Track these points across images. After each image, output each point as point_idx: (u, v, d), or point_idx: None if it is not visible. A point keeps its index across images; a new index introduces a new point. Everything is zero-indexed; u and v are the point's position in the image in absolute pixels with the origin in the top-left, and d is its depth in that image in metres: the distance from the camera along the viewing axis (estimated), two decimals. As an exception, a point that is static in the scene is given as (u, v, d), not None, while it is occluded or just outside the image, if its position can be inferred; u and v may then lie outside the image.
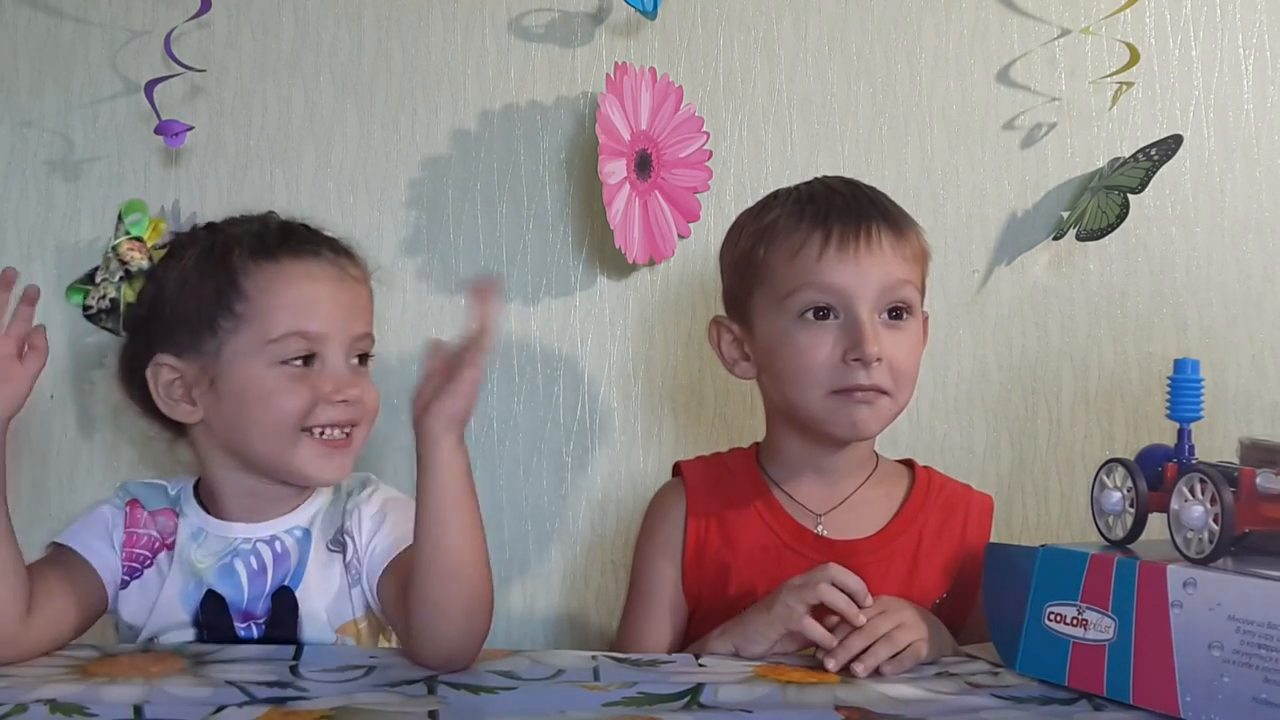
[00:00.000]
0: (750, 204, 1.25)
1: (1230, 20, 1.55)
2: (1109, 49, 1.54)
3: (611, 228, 1.43)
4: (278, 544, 1.11)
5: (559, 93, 1.52)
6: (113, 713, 0.86)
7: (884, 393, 1.13)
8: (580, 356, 1.52)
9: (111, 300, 1.35)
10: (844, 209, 1.16)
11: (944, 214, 1.53)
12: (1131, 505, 0.99)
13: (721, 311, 1.25)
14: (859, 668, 1.00)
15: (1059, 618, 0.98)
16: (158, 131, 1.44)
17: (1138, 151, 1.49)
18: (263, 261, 1.09)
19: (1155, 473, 0.99)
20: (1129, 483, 0.99)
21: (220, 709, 0.87)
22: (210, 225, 1.16)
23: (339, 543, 1.12)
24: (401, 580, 1.04)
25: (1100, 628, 0.94)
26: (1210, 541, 0.90)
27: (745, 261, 1.19)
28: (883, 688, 0.98)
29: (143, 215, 1.39)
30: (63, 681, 0.93)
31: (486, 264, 1.51)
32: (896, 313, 1.15)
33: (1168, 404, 1.00)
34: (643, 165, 1.46)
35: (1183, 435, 0.99)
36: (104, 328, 1.38)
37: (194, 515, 1.13)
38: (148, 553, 1.11)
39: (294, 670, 0.98)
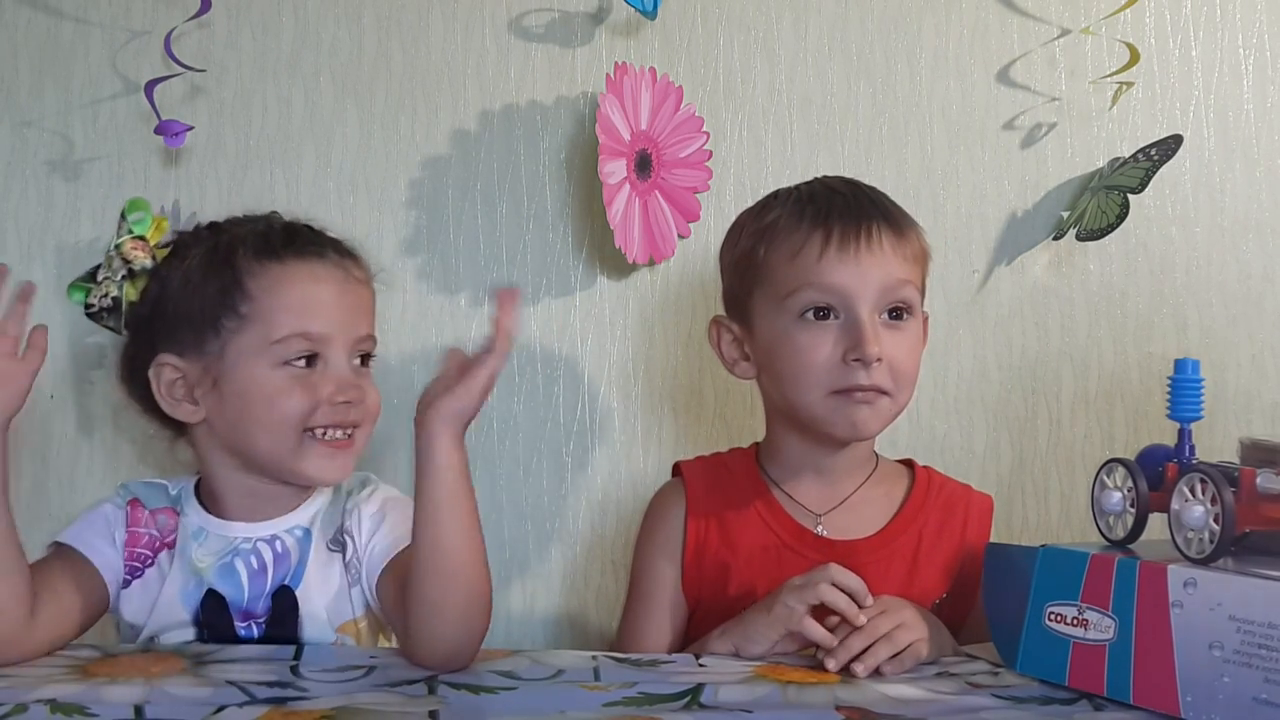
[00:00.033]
0: (750, 204, 1.25)
1: (1230, 20, 1.56)
2: (1109, 49, 1.54)
3: (611, 228, 1.43)
4: (278, 543, 1.11)
5: (559, 93, 1.52)
6: (113, 713, 0.86)
7: (884, 393, 1.13)
8: (580, 356, 1.52)
9: (114, 299, 1.35)
10: (844, 209, 1.16)
11: (944, 214, 1.53)
12: (1132, 505, 0.99)
13: (721, 311, 1.25)
14: (859, 668, 1.00)
15: (1059, 618, 0.98)
16: (158, 131, 1.44)
17: (1138, 151, 1.49)
18: (267, 262, 1.09)
19: (1156, 473, 0.99)
20: (1129, 483, 0.99)
21: (221, 709, 0.87)
22: (213, 225, 1.16)
23: (339, 542, 1.12)
24: (400, 580, 1.04)
25: (1101, 628, 0.94)
26: (1211, 541, 0.90)
27: (745, 261, 1.19)
28: (883, 688, 0.97)
29: (145, 214, 1.39)
30: (63, 681, 0.93)
31: (486, 264, 1.51)
32: (897, 313, 1.15)
33: (1168, 404, 1.00)
34: (643, 165, 1.46)
35: (1183, 435, 0.99)
36: (105, 326, 1.38)
37: (195, 514, 1.13)
38: (149, 552, 1.11)
39: (294, 670, 0.98)
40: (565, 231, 1.52)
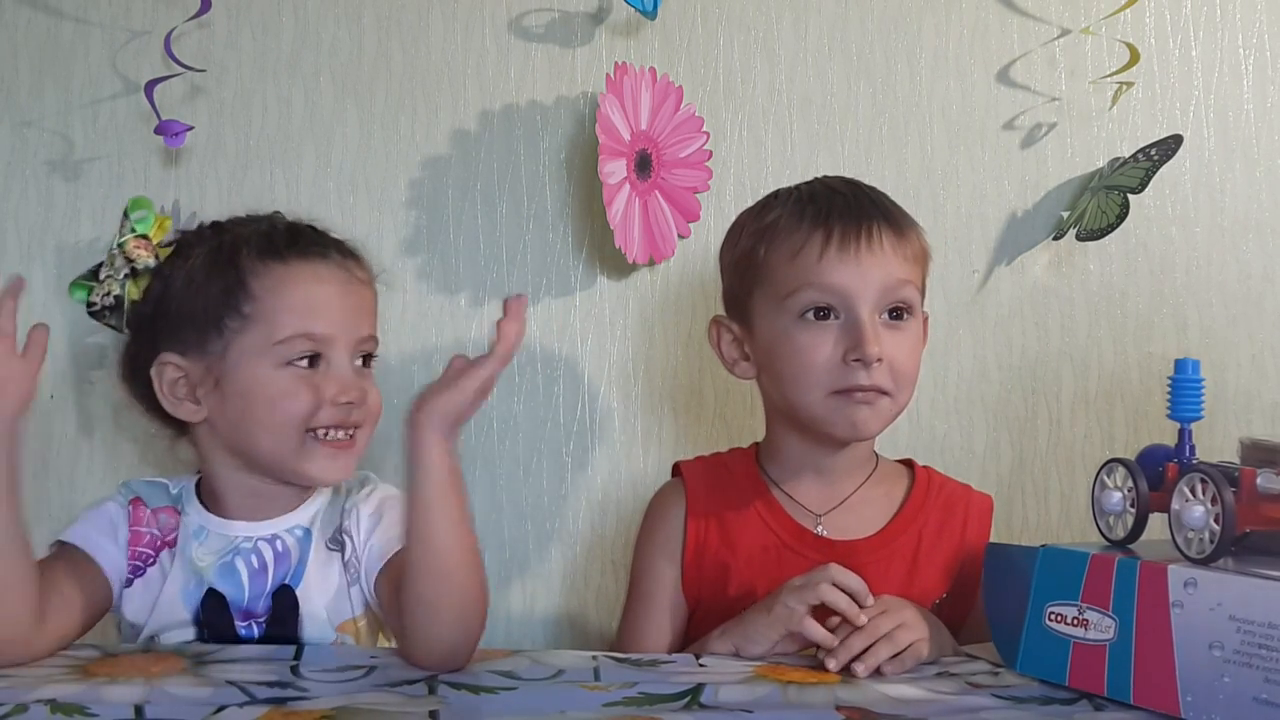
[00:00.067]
0: (750, 204, 1.25)
1: (1230, 20, 1.56)
2: (1109, 49, 1.54)
3: (611, 228, 1.43)
4: (279, 543, 1.11)
5: (559, 93, 1.52)
6: (113, 713, 0.86)
7: (884, 393, 1.13)
8: (580, 356, 1.52)
9: (116, 297, 1.35)
10: (845, 209, 1.16)
11: (944, 214, 1.53)
12: (1132, 505, 0.99)
13: (721, 311, 1.25)
14: (860, 667, 1.00)
15: (1059, 618, 0.98)
16: (158, 131, 1.44)
17: (1138, 151, 1.49)
18: (271, 262, 1.09)
19: (1156, 473, 0.99)
20: (1129, 483, 0.99)
21: (221, 709, 0.87)
22: (216, 224, 1.17)
23: (337, 541, 1.12)
24: (396, 579, 1.04)
25: (1101, 628, 0.94)
26: (1211, 541, 0.90)
27: (745, 261, 1.19)
28: (883, 688, 0.97)
29: (148, 212, 1.39)
30: (63, 681, 0.93)
31: (486, 264, 1.51)
32: (897, 313, 1.15)
33: (1168, 404, 1.00)
34: (643, 165, 1.46)
35: (1183, 435, 0.99)
36: (107, 325, 1.38)
37: (195, 513, 1.13)
38: (151, 551, 1.11)
39: (294, 670, 0.98)
40: (565, 231, 1.52)
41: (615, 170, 1.43)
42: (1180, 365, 0.99)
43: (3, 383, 0.97)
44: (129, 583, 1.10)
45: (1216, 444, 1.08)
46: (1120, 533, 1.00)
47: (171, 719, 0.86)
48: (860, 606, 1.04)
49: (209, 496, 1.14)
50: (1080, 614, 0.96)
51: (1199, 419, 0.99)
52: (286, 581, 1.10)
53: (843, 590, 1.05)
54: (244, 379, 1.08)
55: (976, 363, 1.53)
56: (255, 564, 1.10)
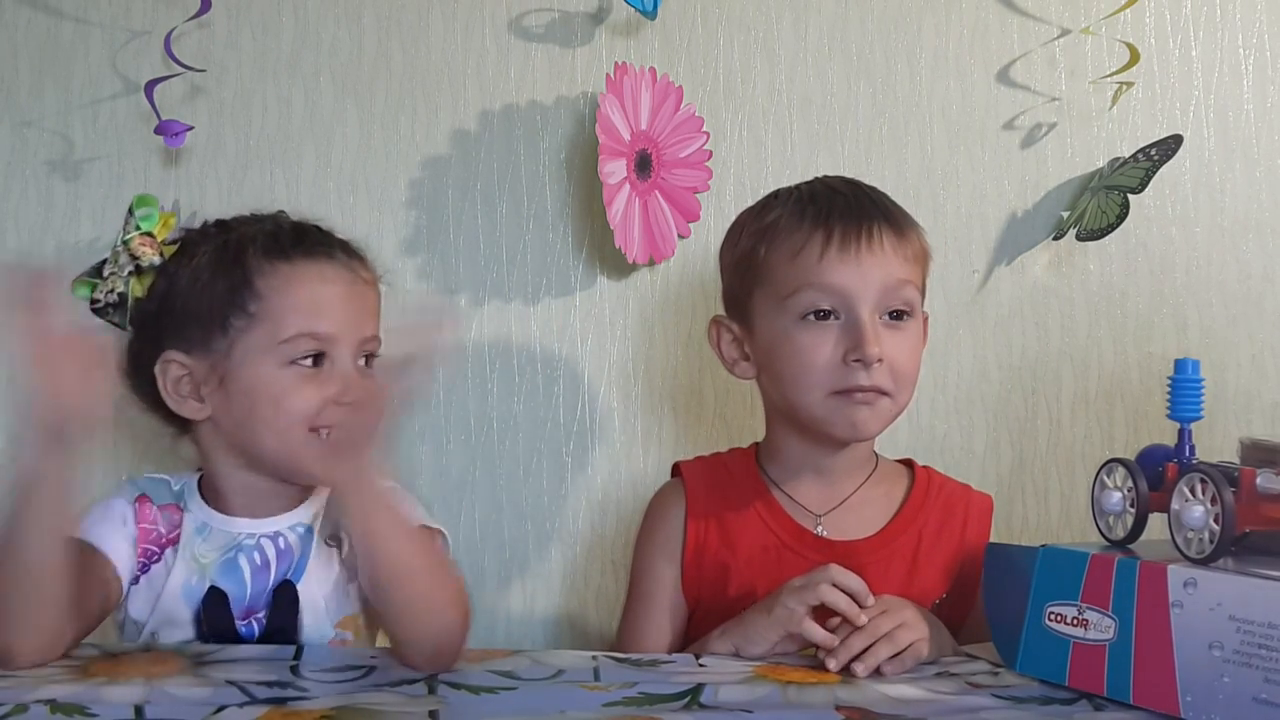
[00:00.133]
0: (750, 204, 1.25)
1: (1230, 20, 1.55)
2: (1109, 49, 1.54)
3: (611, 228, 1.43)
4: (281, 540, 1.11)
5: (559, 93, 1.52)
6: (113, 713, 0.86)
7: (884, 393, 1.13)
8: (580, 356, 1.52)
9: (119, 295, 1.35)
10: (845, 209, 1.16)
11: (944, 214, 1.53)
12: (1132, 505, 0.99)
13: (721, 311, 1.25)
14: (859, 667, 1.00)
15: (1059, 618, 0.98)
16: (158, 131, 1.44)
17: (1138, 151, 1.49)
18: (277, 262, 1.10)
19: (1156, 473, 0.99)
20: (1129, 483, 0.99)
21: (220, 709, 0.87)
22: (221, 223, 1.17)
23: (336, 538, 1.13)
24: None
25: (1101, 628, 0.94)
26: (1211, 541, 0.90)
27: (746, 261, 1.19)
28: (883, 688, 0.97)
29: (153, 210, 1.39)
30: (63, 681, 0.93)
31: (486, 264, 1.51)
32: (897, 314, 1.15)
33: (1168, 404, 1.00)
34: (643, 165, 1.46)
35: (1183, 435, 0.99)
36: (111, 322, 1.38)
37: (198, 510, 1.13)
38: (156, 548, 1.11)
39: (294, 670, 0.98)
40: (565, 231, 1.52)
41: (615, 170, 1.43)
42: (1180, 365, 0.99)
43: (59, 384, 0.94)
44: (135, 580, 1.11)
45: (1216, 444, 1.08)
46: (1120, 533, 1.00)
47: (171, 719, 0.86)
48: (860, 607, 1.04)
49: (211, 494, 1.14)
50: (1080, 614, 0.96)
51: (1199, 419, 0.99)
52: (288, 577, 1.10)
53: (843, 590, 1.05)
54: (248, 377, 1.08)
55: (976, 363, 1.53)
56: (258, 561, 1.11)
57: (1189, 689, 0.88)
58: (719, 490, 1.23)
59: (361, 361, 1.13)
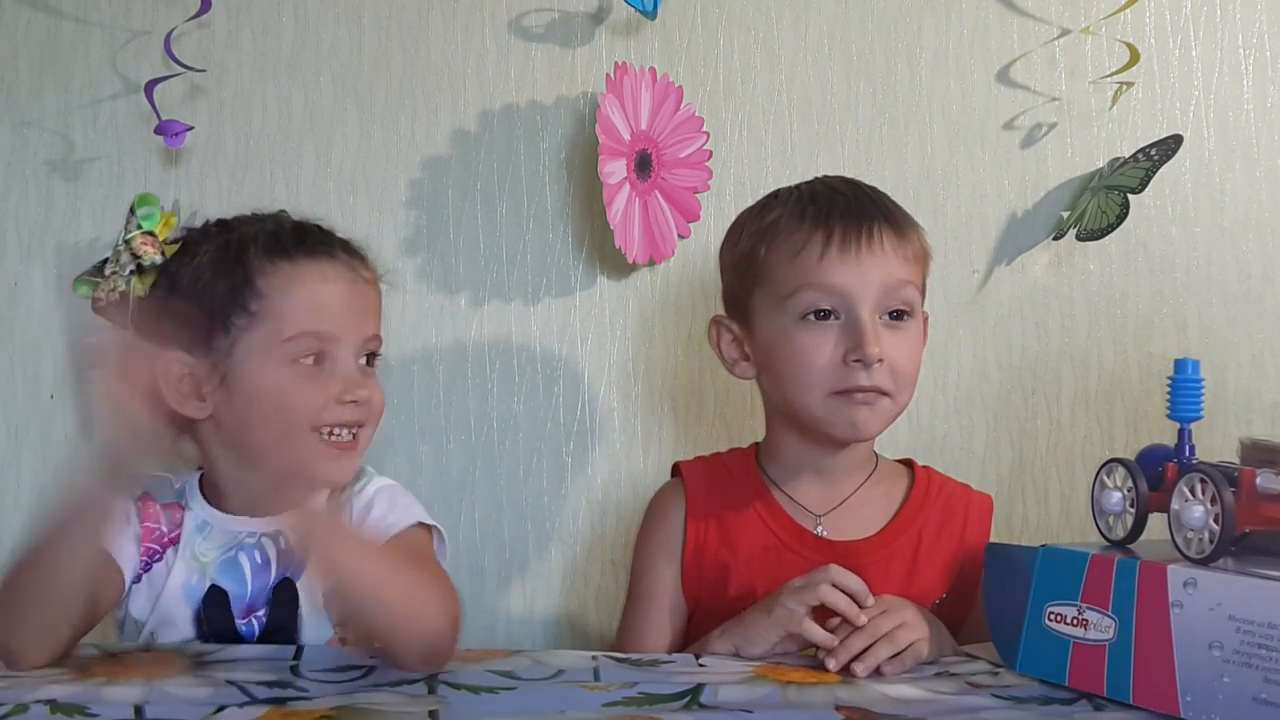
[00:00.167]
0: (750, 204, 1.25)
1: (1230, 20, 1.55)
2: (1109, 49, 1.54)
3: (611, 228, 1.43)
4: (281, 539, 1.11)
5: (559, 93, 1.52)
6: (113, 713, 0.86)
7: (884, 394, 1.13)
8: (580, 356, 1.52)
9: (121, 294, 1.35)
10: (846, 209, 1.16)
11: (944, 214, 1.53)
12: (1132, 505, 0.99)
13: (721, 311, 1.25)
14: (859, 667, 1.00)
15: (1059, 618, 0.98)
16: (158, 131, 1.44)
17: (1138, 151, 1.49)
18: (279, 261, 1.10)
19: (1155, 473, 0.99)
20: (1129, 483, 0.99)
21: (220, 709, 0.87)
22: (223, 222, 1.17)
23: None
24: None
25: (1100, 628, 0.94)
26: (1211, 541, 0.90)
27: (746, 261, 1.19)
28: (883, 688, 0.97)
29: (154, 209, 1.39)
30: (63, 681, 0.93)
31: (486, 264, 1.51)
32: (897, 314, 1.15)
33: (1168, 404, 0.99)
34: (643, 165, 1.46)
35: (1183, 435, 0.99)
36: (111, 321, 1.38)
37: (199, 509, 1.13)
38: (158, 547, 1.11)
39: (294, 670, 0.98)
40: (565, 231, 1.52)
41: (615, 170, 1.43)
42: (1180, 365, 0.99)
43: (125, 422, 0.93)
44: (137, 578, 1.11)
45: (1216, 444, 1.08)
46: (1120, 533, 1.00)
47: (171, 719, 0.86)
48: (860, 607, 1.04)
49: (212, 492, 1.14)
50: (1080, 614, 0.96)
51: (1199, 419, 0.99)
52: (288, 575, 1.10)
53: (842, 591, 1.05)
54: (250, 376, 1.08)
55: (976, 363, 1.53)
56: (259, 559, 1.11)
57: (1189, 689, 0.88)
58: (719, 490, 1.23)
59: (363, 361, 1.13)
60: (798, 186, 1.22)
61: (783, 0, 1.53)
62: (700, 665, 1.04)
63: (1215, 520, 0.90)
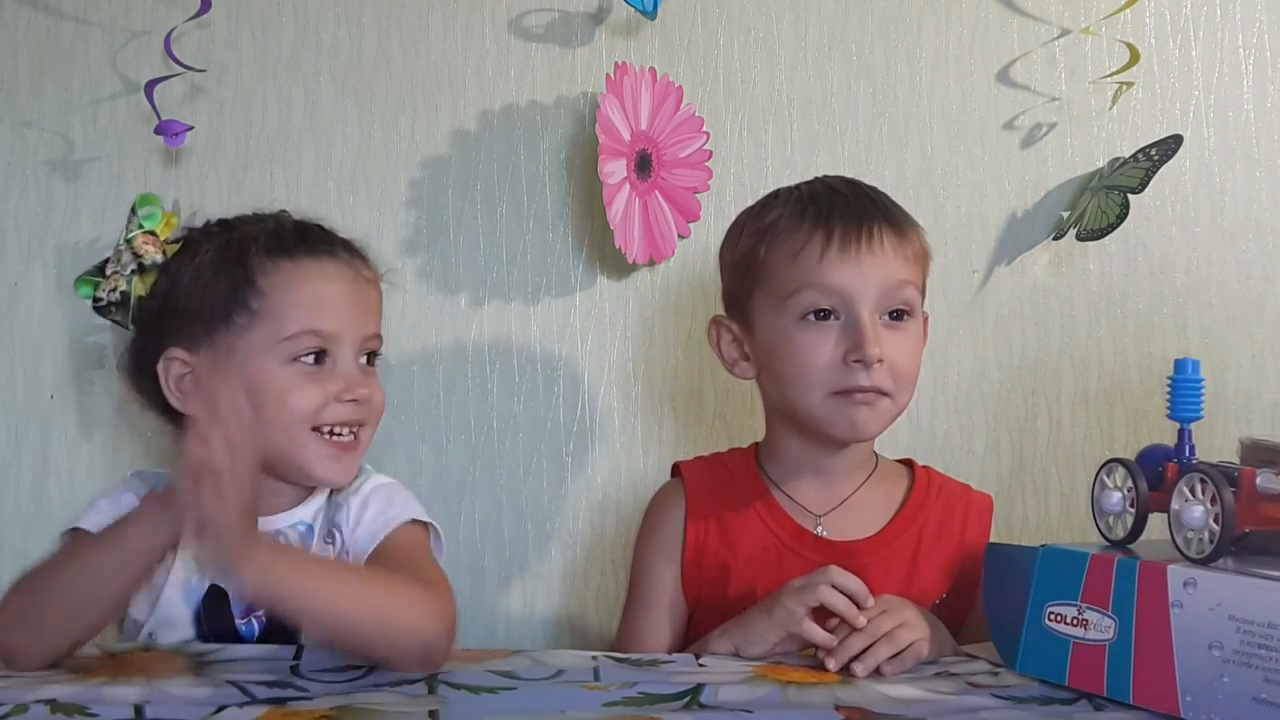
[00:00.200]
0: (750, 204, 1.25)
1: (1230, 20, 1.55)
2: (1109, 49, 1.54)
3: (611, 228, 1.43)
4: (281, 538, 1.11)
5: (559, 93, 1.52)
6: (113, 713, 0.86)
7: (884, 394, 1.13)
8: (580, 356, 1.52)
9: (122, 293, 1.35)
10: (846, 209, 1.16)
11: (944, 214, 1.53)
12: (1132, 505, 0.99)
13: (721, 311, 1.25)
14: (859, 667, 1.00)
15: (1059, 618, 0.98)
16: (158, 131, 1.44)
17: (1138, 151, 1.49)
18: (280, 259, 1.10)
19: (1155, 473, 0.99)
20: (1129, 483, 0.99)
21: (220, 709, 0.87)
22: (224, 221, 1.17)
23: (331, 536, 1.13)
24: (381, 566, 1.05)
25: (1100, 628, 0.94)
26: (1211, 541, 0.90)
27: (746, 261, 1.19)
28: (883, 688, 0.97)
29: (156, 209, 1.39)
30: (63, 681, 0.93)
31: (486, 264, 1.51)
32: (897, 314, 1.15)
33: (1168, 404, 0.99)
34: (643, 165, 1.46)
35: (1183, 435, 0.99)
36: (113, 320, 1.38)
37: None
38: None
39: (294, 670, 0.98)
40: (565, 231, 1.52)
41: (615, 170, 1.43)
42: (1180, 365, 0.99)
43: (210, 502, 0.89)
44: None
45: (1216, 444, 1.08)
46: (1120, 533, 1.00)
47: (171, 719, 0.86)
48: (860, 608, 1.04)
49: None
50: (1080, 614, 0.96)
51: (1199, 419, 0.99)
52: None
53: (842, 592, 1.05)
54: (251, 375, 1.08)
55: (976, 363, 1.53)
56: None
57: (1189, 689, 0.88)
58: (719, 490, 1.23)
59: (363, 360, 1.13)
60: (798, 186, 1.22)
61: (783, 0, 1.53)
62: (700, 665, 1.04)
63: (1215, 520, 0.90)
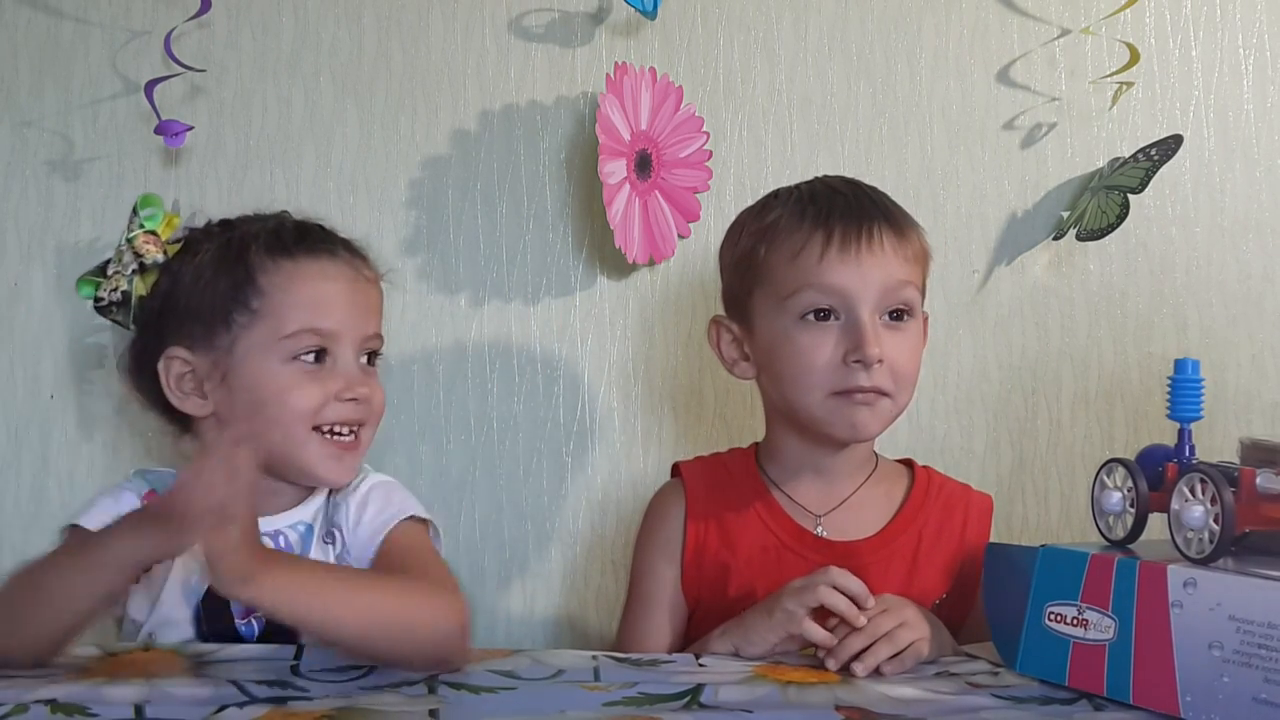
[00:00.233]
0: (750, 204, 1.25)
1: (1230, 20, 1.55)
2: (1109, 49, 1.54)
3: (611, 228, 1.43)
4: (282, 539, 1.11)
5: (559, 93, 1.52)
6: (113, 713, 0.86)
7: (884, 394, 1.13)
8: (580, 356, 1.52)
9: (123, 293, 1.35)
10: (846, 209, 1.16)
11: (944, 214, 1.53)
12: (1132, 505, 0.99)
13: (721, 311, 1.25)
14: (858, 667, 1.00)
15: (1059, 618, 0.98)
16: (158, 131, 1.44)
17: (1138, 151, 1.49)
18: (280, 259, 1.10)
19: (1155, 473, 0.99)
20: (1129, 483, 0.99)
21: (221, 709, 0.87)
22: (225, 222, 1.17)
23: (331, 535, 1.13)
24: (385, 567, 1.05)
25: (1100, 628, 0.94)
26: (1210, 541, 0.90)
27: (746, 261, 1.19)
28: (883, 688, 0.97)
29: (157, 209, 1.39)
30: (63, 681, 0.93)
31: (486, 264, 1.51)
32: (897, 314, 1.15)
33: (1168, 404, 1.00)
34: (643, 165, 1.46)
35: (1183, 435, 0.99)
36: (114, 320, 1.38)
37: None
38: None
39: (294, 670, 0.98)
40: (565, 231, 1.52)
41: (615, 170, 1.43)
42: (1180, 365, 0.99)
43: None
44: (136, 579, 1.10)
45: (1216, 444, 1.08)
46: (1120, 533, 1.00)
47: (171, 719, 0.86)
48: (861, 608, 1.04)
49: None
50: (1080, 614, 0.96)
51: (1199, 419, 0.99)
52: None
53: (842, 593, 1.05)
54: (250, 373, 1.08)
55: (976, 363, 1.53)
56: None
57: (1189, 689, 0.88)
58: (719, 490, 1.23)
59: (363, 360, 1.13)
60: (798, 186, 1.22)
61: (783, 0, 1.53)
62: (700, 665, 1.04)
63: (1215, 520, 0.90)
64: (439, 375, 1.50)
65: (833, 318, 1.13)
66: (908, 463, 1.27)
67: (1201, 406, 0.99)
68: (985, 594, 1.07)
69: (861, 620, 1.03)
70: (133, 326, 1.27)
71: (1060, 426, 1.53)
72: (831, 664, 1.01)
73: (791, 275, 1.14)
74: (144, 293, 1.28)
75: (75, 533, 1.08)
